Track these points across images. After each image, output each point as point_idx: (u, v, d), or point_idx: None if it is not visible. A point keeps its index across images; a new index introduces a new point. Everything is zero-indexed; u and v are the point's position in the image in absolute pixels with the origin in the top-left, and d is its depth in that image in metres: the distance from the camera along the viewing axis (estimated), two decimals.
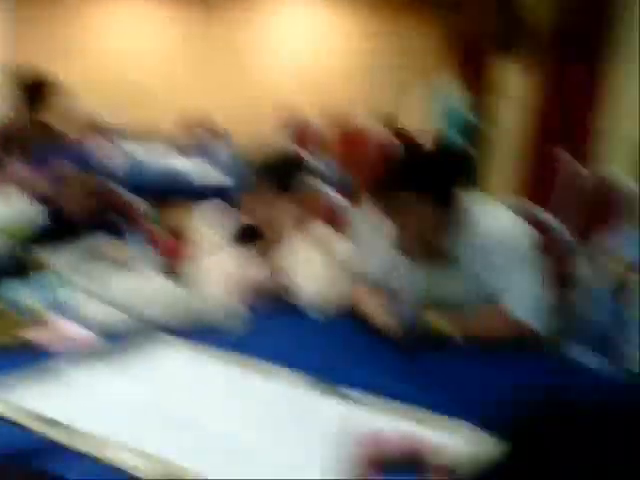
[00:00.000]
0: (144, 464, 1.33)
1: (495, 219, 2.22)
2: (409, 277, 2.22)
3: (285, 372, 1.78)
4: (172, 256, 2.69)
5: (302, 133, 7.43)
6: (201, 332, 2.03)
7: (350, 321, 2.20)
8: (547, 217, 2.77)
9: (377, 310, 2.12)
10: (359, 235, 2.38)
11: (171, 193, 4.57)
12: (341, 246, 2.41)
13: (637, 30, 4.42)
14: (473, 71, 7.62)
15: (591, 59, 4.93)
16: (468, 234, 2.15)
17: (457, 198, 2.13)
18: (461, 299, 2.19)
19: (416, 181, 2.09)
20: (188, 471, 1.32)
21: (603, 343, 2.15)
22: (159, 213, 4.40)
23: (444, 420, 1.55)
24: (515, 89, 6.42)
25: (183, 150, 5.79)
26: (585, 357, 2.13)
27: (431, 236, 2.15)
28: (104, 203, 3.01)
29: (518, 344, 2.10)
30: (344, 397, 1.65)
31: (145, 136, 8.46)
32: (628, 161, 4.11)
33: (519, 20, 6.02)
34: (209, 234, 2.41)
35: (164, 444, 1.41)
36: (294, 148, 5.03)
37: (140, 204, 3.25)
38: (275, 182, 2.35)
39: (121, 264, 2.47)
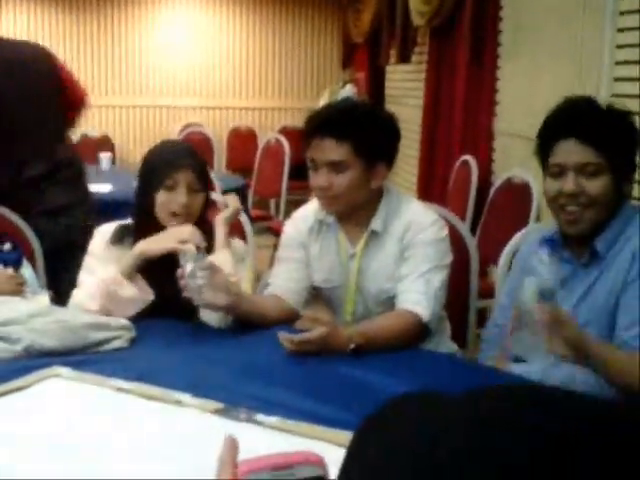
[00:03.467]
0: None
1: (412, 213, 2.25)
2: None
3: (183, 395, 1.68)
4: None
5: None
6: (91, 357, 1.93)
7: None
8: (451, 216, 2.77)
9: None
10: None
11: None
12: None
13: (521, 28, 4.51)
14: (369, 73, 7.70)
15: (482, 59, 5.00)
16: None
17: None
18: None
19: None
20: None
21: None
22: None
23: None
24: (408, 91, 6.50)
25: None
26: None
27: None
28: None
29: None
30: (249, 419, 1.58)
31: None
32: (522, 158, 4.18)
33: (405, 21, 6.07)
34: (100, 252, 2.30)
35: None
36: None
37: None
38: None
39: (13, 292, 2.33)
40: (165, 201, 2.21)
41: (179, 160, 2.22)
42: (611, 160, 1.86)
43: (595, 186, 1.87)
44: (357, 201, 2.21)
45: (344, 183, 2.15)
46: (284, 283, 2.31)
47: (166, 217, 2.22)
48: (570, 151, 1.88)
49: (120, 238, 2.29)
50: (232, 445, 0.75)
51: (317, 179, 2.18)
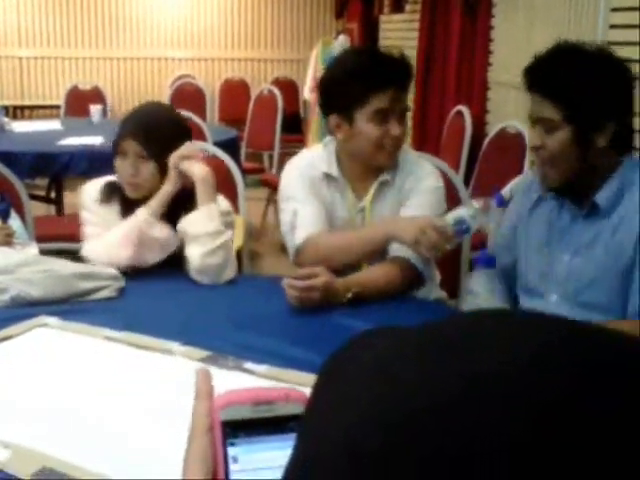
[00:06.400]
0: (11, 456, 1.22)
1: (410, 163, 2.24)
2: None
3: (171, 344, 1.68)
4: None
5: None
6: (79, 306, 1.92)
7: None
8: (444, 167, 2.75)
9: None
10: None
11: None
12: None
13: None
14: (362, 23, 7.59)
15: (476, 8, 4.93)
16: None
17: None
18: None
19: None
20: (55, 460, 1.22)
21: None
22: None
23: None
24: (402, 41, 6.41)
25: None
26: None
27: None
28: None
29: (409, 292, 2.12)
30: (237, 367, 1.57)
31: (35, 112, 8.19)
32: (516, 108, 4.14)
33: None
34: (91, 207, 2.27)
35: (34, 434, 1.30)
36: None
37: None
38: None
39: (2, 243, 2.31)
40: (119, 168, 2.22)
41: (125, 128, 2.22)
42: (569, 114, 1.79)
43: (553, 141, 1.82)
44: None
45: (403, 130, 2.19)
46: (322, 226, 2.20)
47: (122, 182, 2.23)
48: (533, 103, 1.85)
49: (108, 197, 2.26)
50: (205, 376, 0.73)
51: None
